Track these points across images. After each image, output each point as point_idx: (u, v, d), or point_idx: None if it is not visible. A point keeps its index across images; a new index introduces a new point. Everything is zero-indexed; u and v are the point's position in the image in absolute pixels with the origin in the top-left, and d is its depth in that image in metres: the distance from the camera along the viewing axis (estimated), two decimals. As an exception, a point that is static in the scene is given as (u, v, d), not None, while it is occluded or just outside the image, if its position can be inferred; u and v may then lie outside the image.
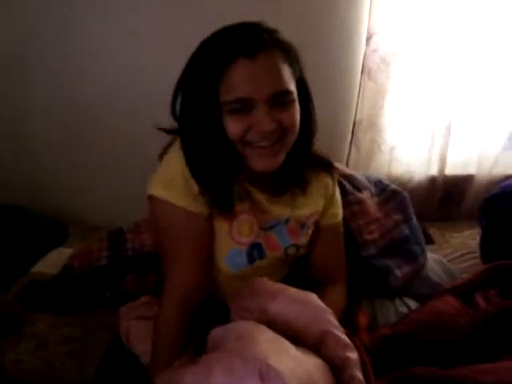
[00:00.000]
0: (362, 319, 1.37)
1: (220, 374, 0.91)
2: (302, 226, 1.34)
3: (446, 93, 2.09)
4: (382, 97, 2.10)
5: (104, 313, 1.67)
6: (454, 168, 2.31)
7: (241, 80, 1.03)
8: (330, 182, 1.36)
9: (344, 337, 1.08)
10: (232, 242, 1.26)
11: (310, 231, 1.36)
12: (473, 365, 1.16)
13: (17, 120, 2.25)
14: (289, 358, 0.93)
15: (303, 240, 1.35)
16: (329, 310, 1.14)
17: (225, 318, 1.23)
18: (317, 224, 1.38)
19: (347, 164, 2.27)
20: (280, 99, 1.07)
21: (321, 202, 1.35)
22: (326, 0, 1.99)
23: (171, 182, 1.17)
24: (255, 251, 1.29)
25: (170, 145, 1.27)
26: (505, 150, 2.24)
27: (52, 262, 1.93)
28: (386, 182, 1.83)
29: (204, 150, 1.13)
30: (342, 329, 1.11)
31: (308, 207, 1.33)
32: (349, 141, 2.23)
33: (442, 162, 2.24)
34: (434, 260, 1.70)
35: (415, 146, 2.23)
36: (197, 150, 1.15)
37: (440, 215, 2.37)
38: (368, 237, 1.63)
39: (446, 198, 2.37)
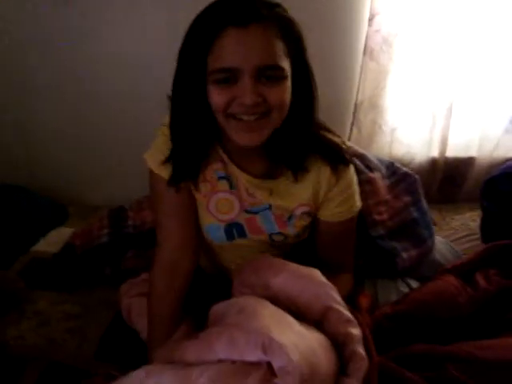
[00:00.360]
0: (364, 301, 1.37)
1: (222, 348, 0.91)
2: (290, 217, 1.26)
3: (448, 74, 2.09)
4: (384, 78, 2.10)
5: (104, 290, 1.68)
6: (455, 150, 2.31)
7: (229, 49, 0.98)
8: (333, 178, 1.21)
9: (347, 313, 1.08)
10: (210, 216, 1.26)
11: (303, 223, 1.28)
12: (473, 341, 1.17)
13: (18, 102, 2.25)
14: (292, 333, 0.93)
15: (292, 231, 1.28)
16: (332, 286, 1.13)
17: (227, 293, 1.23)
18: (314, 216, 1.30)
19: (348, 145, 2.26)
20: (268, 73, 1.00)
21: (311, 196, 1.24)
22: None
23: (155, 151, 1.21)
24: (234, 230, 1.27)
25: None
26: (506, 133, 2.24)
27: (53, 241, 1.94)
28: (397, 164, 1.80)
29: (184, 115, 1.11)
30: (345, 305, 1.11)
31: (294, 198, 1.25)
32: (350, 121, 2.23)
33: (443, 143, 2.24)
34: (441, 242, 1.70)
35: (416, 127, 2.23)
36: (178, 115, 1.13)
37: (441, 197, 2.37)
38: (377, 217, 1.61)
39: (447, 180, 2.37)
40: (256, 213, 1.25)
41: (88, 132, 2.30)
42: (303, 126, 1.14)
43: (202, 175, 1.21)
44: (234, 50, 0.97)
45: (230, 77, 1.00)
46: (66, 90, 2.20)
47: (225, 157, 1.21)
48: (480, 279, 1.38)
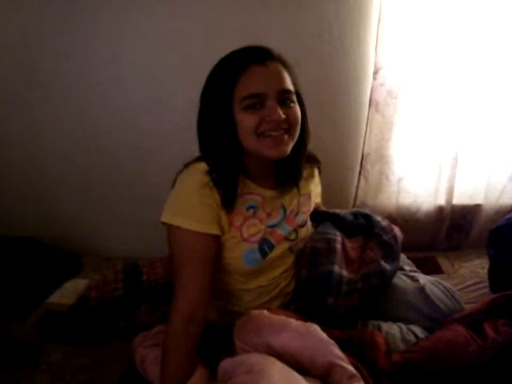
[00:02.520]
0: (381, 342, 1.36)
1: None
2: (296, 213, 1.53)
3: (453, 124, 2.14)
4: (390, 129, 2.15)
5: (117, 343, 1.70)
6: (461, 198, 2.33)
7: (254, 80, 1.24)
8: (315, 171, 1.66)
9: (350, 367, 1.10)
10: (245, 243, 1.39)
11: (307, 208, 1.59)
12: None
13: (31, 152, 2.33)
14: (299, 390, 0.96)
15: (300, 220, 1.54)
16: (332, 342, 1.17)
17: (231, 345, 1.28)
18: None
19: (356, 194, 2.31)
20: (285, 97, 1.28)
21: (310, 188, 1.61)
22: (335, 35, 2.05)
23: (181, 206, 1.29)
24: (265, 245, 1.42)
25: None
26: (511, 180, 2.26)
27: (67, 293, 1.95)
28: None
29: (219, 147, 1.31)
30: (347, 359, 1.14)
31: (304, 200, 1.56)
32: (357, 172, 2.28)
33: (450, 192, 2.27)
34: (432, 282, 1.69)
35: (423, 176, 2.26)
36: (213, 150, 1.32)
37: (448, 245, 2.38)
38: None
39: (454, 227, 2.38)
40: (275, 226, 1.46)
41: (100, 185, 2.36)
42: (302, 148, 1.41)
43: (235, 210, 1.35)
44: (259, 79, 1.25)
45: (257, 102, 1.24)
46: (77, 143, 2.28)
47: (249, 182, 1.40)
48: (489, 330, 1.37)
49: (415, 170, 2.25)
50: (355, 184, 2.31)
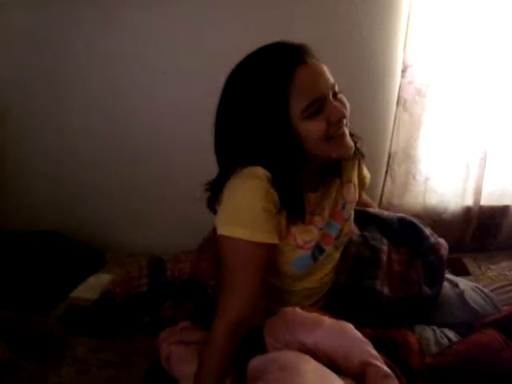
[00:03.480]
0: (414, 341, 1.33)
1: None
2: (343, 205, 1.47)
3: (481, 124, 2.11)
4: (417, 128, 2.13)
5: (142, 338, 1.70)
6: (489, 199, 2.30)
7: (308, 84, 1.17)
8: (356, 162, 1.55)
9: (384, 367, 1.09)
10: (299, 250, 1.35)
11: (354, 203, 1.53)
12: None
13: (53, 154, 2.36)
14: (334, 389, 0.94)
15: (348, 213, 1.49)
16: (366, 341, 1.16)
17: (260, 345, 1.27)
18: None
19: (382, 194, 2.29)
20: (335, 90, 1.22)
21: (353, 177, 1.53)
22: (363, 34, 2.04)
23: (243, 217, 1.22)
24: (316, 251, 1.39)
25: (217, 185, 1.33)
26: (540, 181, 2.22)
27: (91, 287, 1.97)
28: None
29: (282, 159, 1.23)
30: (381, 359, 1.12)
31: (348, 190, 1.49)
32: (384, 171, 2.26)
33: (478, 192, 2.24)
34: (472, 288, 1.67)
35: (450, 176, 2.24)
36: (280, 168, 1.24)
37: (475, 246, 2.35)
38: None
39: (482, 228, 2.35)
40: (325, 227, 1.42)
41: (126, 183, 2.38)
42: None
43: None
44: (313, 81, 1.17)
45: (319, 106, 1.18)
46: (102, 145, 2.30)
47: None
48: (523, 335, 1.36)
49: (442, 170, 2.22)
50: (382, 183, 2.29)
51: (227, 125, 1.27)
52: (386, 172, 2.24)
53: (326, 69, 1.21)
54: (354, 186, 1.53)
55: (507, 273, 2.05)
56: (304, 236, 1.34)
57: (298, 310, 1.28)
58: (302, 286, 1.44)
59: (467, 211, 2.30)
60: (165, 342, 1.50)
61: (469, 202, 2.28)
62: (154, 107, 2.20)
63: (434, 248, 1.60)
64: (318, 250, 1.40)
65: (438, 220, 2.27)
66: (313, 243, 1.37)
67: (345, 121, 1.23)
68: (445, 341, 1.45)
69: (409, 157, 2.19)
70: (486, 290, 1.68)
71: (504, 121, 2.13)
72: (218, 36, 2.04)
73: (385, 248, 1.58)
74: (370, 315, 1.47)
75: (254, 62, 1.21)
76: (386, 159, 2.23)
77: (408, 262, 1.59)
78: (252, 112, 1.21)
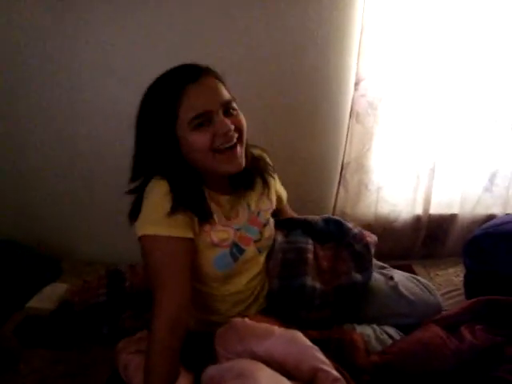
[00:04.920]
0: (359, 340, 1.41)
1: (223, 411, 0.95)
2: (258, 213, 1.57)
3: (430, 136, 2.20)
4: (370, 139, 2.19)
5: (100, 349, 1.69)
6: (438, 208, 2.39)
7: (195, 99, 1.27)
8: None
9: (334, 372, 1.14)
10: (216, 248, 1.42)
11: (266, 206, 1.61)
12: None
13: (14, 154, 2.31)
14: (287, 395, 0.98)
15: (263, 219, 1.59)
16: (315, 347, 1.21)
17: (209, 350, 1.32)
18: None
19: (335, 203, 2.35)
20: (228, 107, 1.32)
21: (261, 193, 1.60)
22: (318, 48, 2.09)
23: (157, 217, 1.29)
24: (234, 249, 1.46)
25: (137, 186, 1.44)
26: (486, 191, 2.33)
27: (47, 297, 1.95)
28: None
29: (175, 172, 1.34)
30: (331, 363, 1.17)
31: (256, 199, 1.57)
32: (337, 181, 2.31)
33: (427, 202, 2.33)
34: (407, 278, 1.74)
35: (401, 186, 2.31)
36: (171, 175, 1.34)
37: (424, 253, 2.44)
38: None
39: (431, 236, 2.44)
40: (241, 229, 1.49)
41: (81, 188, 2.35)
42: (247, 151, 1.43)
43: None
44: (200, 97, 1.28)
45: (204, 120, 1.27)
46: (59, 146, 2.27)
47: (207, 190, 1.43)
48: (466, 333, 1.42)
49: (394, 180, 2.30)
50: (334, 193, 2.34)
51: (136, 136, 1.39)
52: (339, 182, 2.30)
53: (221, 88, 1.33)
54: (268, 197, 1.63)
55: (454, 278, 2.15)
56: (219, 234, 1.42)
57: (247, 320, 1.33)
58: (227, 290, 1.50)
59: (417, 220, 2.38)
60: (123, 351, 1.50)
61: (419, 210, 2.37)
62: (101, 115, 2.21)
63: (358, 237, 1.71)
64: (237, 248, 1.46)
65: (389, 228, 2.35)
66: (229, 242, 1.44)
67: (235, 136, 1.31)
68: (385, 336, 1.53)
69: (361, 167, 2.25)
70: (421, 279, 1.76)
71: (452, 134, 2.22)
72: (187, 42, 2.06)
73: (310, 247, 1.67)
74: (306, 309, 1.54)
75: (158, 80, 1.34)
76: (339, 169, 2.29)
77: (335, 255, 1.69)
78: (148, 124, 1.35)
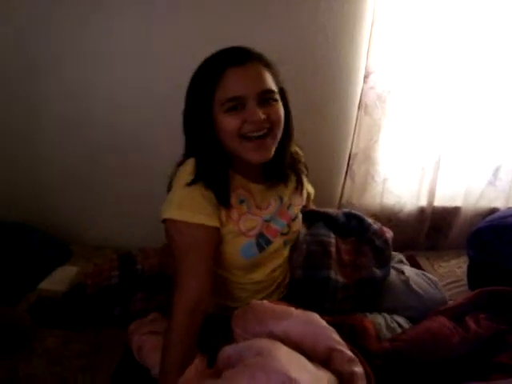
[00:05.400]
0: (371, 327, 1.45)
1: (245, 387, 0.99)
2: (289, 206, 1.57)
3: (437, 130, 2.23)
4: (377, 131, 2.23)
5: (111, 330, 1.74)
6: (442, 200, 2.43)
7: (233, 82, 1.27)
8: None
9: (349, 352, 1.18)
10: (243, 237, 1.42)
11: (298, 201, 1.62)
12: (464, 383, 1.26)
13: (27, 141, 2.33)
14: (306, 372, 1.02)
15: (293, 213, 1.58)
16: (332, 329, 1.25)
17: (226, 332, 1.36)
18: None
19: (342, 193, 2.38)
20: (266, 96, 1.29)
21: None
22: (329, 40, 2.11)
23: (183, 202, 1.32)
24: (261, 240, 1.46)
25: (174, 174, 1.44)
26: (489, 185, 2.36)
27: (58, 280, 1.97)
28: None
29: (203, 149, 1.36)
30: (346, 345, 1.21)
31: (290, 192, 1.57)
32: (344, 172, 2.35)
33: (431, 194, 2.37)
34: (417, 274, 1.79)
35: (406, 178, 2.35)
36: (199, 151, 1.38)
37: (428, 244, 2.48)
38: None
39: (434, 228, 2.48)
40: (270, 220, 1.49)
41: (93, 174, 2.38)
42: (287, 142, 1.44)
43: (231, 204, 1.39)
44: (238, 81, 1.27)
45: (237, 104, 1.27)
46: (74, 133, 2.29)
47: (239, 177, 1.44)
48: (470, 322, 1.47)
49: (400, 172, 2.33)
50: (341, 183, 2.38)
51: (184, 116, 1.39)
52: (346, 172, 2.33)
53: (265, 76, 1.30)
54: (300, 193, 1.63)
55: (456, 270, 2.19)
56: (247, 223, 1.43)
57: (265, 302, 1.36)
58: (250, 278, 1.52)
59: (421, 211, 2.42)
60: (136, 333, 1.54)
61: (423, 202, 2.40)
62: (116, 106, 2.24)
63: (379, 233, 1.76)
64: (264, 239, 1.46)
65: (394, 219, 2.39)
66: (256, 231, 1.44)
67: (265, 127, 1.30)
68: (395, 325, 1.58)
69: (368, 158, 2.28)
70: (429, 275, 1.82)
71: (457, 128, 2.24)
72: (188, 39, 2.09)
73: (332, 241, 1.71)
74: (330, 302, 1.59)
75: (206, 59, 1.34)
76: (346, 160, 2.32)
77: (356, 250, 1.73)
78: (189, 101, 1.36)
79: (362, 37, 2.12)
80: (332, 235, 1.73)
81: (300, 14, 2.07)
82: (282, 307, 1.32)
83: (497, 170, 2.33)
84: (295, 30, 2.09)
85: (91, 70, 2.16)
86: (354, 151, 2.28)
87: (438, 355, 1.38)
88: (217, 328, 1.46)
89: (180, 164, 1.44)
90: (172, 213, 1.31)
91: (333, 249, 1.68)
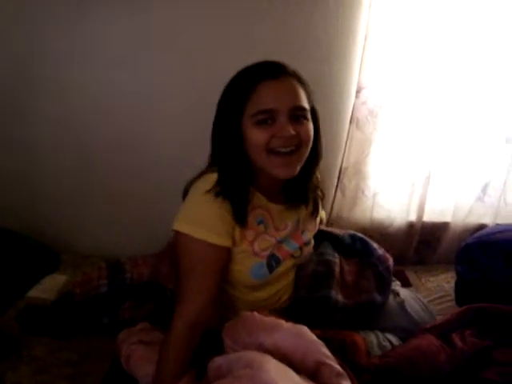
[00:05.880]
0: (361, 341, 1.46)
1: (232, 398, 1.00)
2: (303, 231, 1.56)
3: (427, 145, 2.25)
4: (368, 146, 2.25)
5: (100, 339, 1.73)
6: (431, 215, 2.45)
7: (266, 95, 1.25)
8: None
9: (337, 366, 1.19)
10: (255, 257, 1.41)
11: (313, 227, 1.63)
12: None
13: (21, 150, 2.33)
14: (294, 384, 1.03)
15: (307, 238, 1.58)
16: (321, 343, 1.25)
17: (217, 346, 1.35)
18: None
19: (332, 207, 2.40)
20: (298, 113, 1.27)
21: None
22: (322, 54, 2.14)
23: (197, 218, 1.30)
24: (272, 261, 1.44)
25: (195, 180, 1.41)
26: (478, 201, 2.38)
27: (47, 288, 1.97)
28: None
29: (228, 160, 1.32)
30: (335, 359, 1.22)
31: (306, 217, 1.57)
32: (335, 185, 2.36)
33: (421, 209, 2.38)
34: (412, 297, 1.80)
35: (397, 193, 2.37)
36: (224, 162, 1.34)
37: (417, 259, 2.50)
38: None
39: (423, 242, 2.49)
40: (283, 242, 1.48)
41: (82, 183, 2.38)
42: (312, 167, 1.42)
43: (248, 224, 1.37)
44: (271, 94, 1.25)
45: (268, 118, 1.25)
46: (63, 141, 2.30)
47: (259, 195, 1.41)
48: (456, 340, 1.49)
49: (390, 186, 2.35)
50: (332, 197, 2.39)
51: (213, 126, 1.37)
52: (337, 186, 2.35)
53: (299, 92, 1.28)
54: (315, 219, 1.63)
55: (444, 284, 2.20)
56: (262, 244, 1.41)
57: (256, 314, 1.36)
58: (255, 296, 1.51)
59: (411, 226, 2.43)
60: (125, 342, 1.54)
61: (412, 217, 2.42)
62: (116, 103, 2.24)
63: (382, 259, 1.76)
64: (275, 259, 1.45)
65: (383, 234, 2.40)
66: (268, 252, 1.43)
67: (293, 144, 1.27)
68: (387, 344, 1.58)
69: (359, 172, 2.30)
70: (424, 300, 1.83)
71: (447, 144, 2.27)
72: (188, 43, 2.11)
73: (337, 261, 1.71)
74: (327, 322, 1.58)
75: (241, 70, 1.32)
76: (337, 174, 2.34)
77: (359, 272, 1.73)
78: (220, 111, 1.34)
79: (355, 52, 2.15)
80: (336, 255, 1.74)
81: (294, 26, 2.10)
82: (273, 319, 1.33)
83: (485, 186, 2.36)
84: (289, 42, 2.12)
85: (83, 71, 2.17)
86: (344, 165, 2.29)
87: (425, 372, 1.39)
88: (207, 342, 1.46)
89: (202, 174, 1.41)
90: (183, 227, 1.29)
91: (337, 268, 1.68)
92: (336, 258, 1.72)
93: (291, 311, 1.61)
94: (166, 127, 2.25)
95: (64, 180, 2.38)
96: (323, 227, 1.91)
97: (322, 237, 1.81)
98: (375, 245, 1.81)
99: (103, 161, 2.33)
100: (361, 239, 1.82)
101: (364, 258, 1.77)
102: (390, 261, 1.78)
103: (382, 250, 1.81)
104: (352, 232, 1.88)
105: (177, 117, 2.23)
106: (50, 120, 2.26)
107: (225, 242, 1.32)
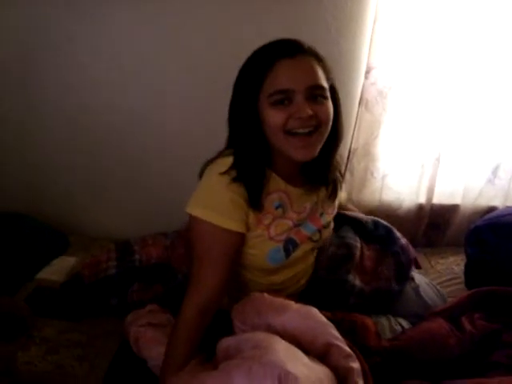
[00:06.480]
0: (371, 324, 1.46)
1: (240, 379, 0.99)
2: (321, 214, 1.53)
3: (437, 127, 2.23)
4: (377, 127, 2.23)
5: (108, 320, 1.74)
6: (440, 197, 2.43)
7: (282, 75, 1.21)
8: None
9: (346, 348, 1.18)
10: (271, 241, 1.39)
11: (331, 215, 1.59)
12: (459, 379, 1.28)
13: (22, 130, 2.33)
14: (303, 365, 1.03)
15: (325, 221, 1.54)
16: (330, 324, 1.25)
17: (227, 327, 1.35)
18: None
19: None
20: (315, 93, 1.23)
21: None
22: (332, 34, 2.11)
23: (210, 202, 1.29)
24: (289, 245, 1.42)
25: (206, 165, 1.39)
26: (488, 183, 2.37)
27: (56, 270, 1.99)
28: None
29: (245, 141, 1.30)
30: (344, 341, 1.22)
31: (325, 199, 1.53)
32: (344, 167, 2.33)
33: (430, 191, 2.37)
34: (426, 283, 1.80)
35: (406, 175, 2.35)
36: (240, 143, 1.31)
37: (426, 242, 2.49)
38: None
39: (433, 225, 2.48)
40: (300, 225, 1.46)
41: (91, 165, 2.38)
42: (334, 147, 1.38)
43: (264, 209, 1.35)
44: (287, 74, 1.21)
45: (285, 98, 1.21)
46: (73, 125, 2.29)
47: (277, 178, 1.38)
48: (466, 323, 1.50)
49: (399, 168, 2.33)
50: (341, 179, 2.37)
51: (230, 107, 1.34)
52: (346, 167, 2.33)
53: (316, 70, 1.24)
54: (333, 202, 1.60)
55: (454, 267, 2.19)
56: (278, 228, 1.38)
57: (265, 294, 1.36)
58: (271, 280, 1.49)
59: (420, 208, 2.42)
60: (133, 324, 1.55)
61: (422, 199, 2.40)
62: (130, 91, 2.22)
63: (405, 248, 1.75)
64: (292, 243, 1.43)
65: (392, 216, 2.38)
66: (284, 236, 1.40)
67: (312, 124, 1.23)
68: (398, 328, 1.58)
69: (368, 154, 2.28)
70: (437, 286, 1.83)
71: (457, 126, 2.25)
72: (189, 32, 2.09)
73: (358, 245, 1.71)
74: (341, 305, 1.58)
75: (253, 52, 1.29)
76: (346, 155, 2.31)
77: (378, 259, 1.73)
78: (236, 92, 1.31)
79: (364, 32, 2.12)
80: (357, 239, 1.73)
81: (303, 9, 2.07)
82: (282, 300, 1.32)
83: (496, 168, 2.34)
84: (298, 25, 2.08)
85: (94, 61, 2.16)
86: (353, 147, 2.28)
87: (436, 355, 1.39)
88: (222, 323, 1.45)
89: (220, 154, 1.39)
90: (195, 210, 1.29)
91: (357, 252, 1.68)
92: (357, 242, 1.72)
93: (307, 291, 1.62)
94: (176, 115, 2.24)
95: (72, 162, 2.37)
96: (347, 212, 1.91)
97: (343, 221, 1.80)
98: (399, 234, 1.79)
99: (111, 144, 2.33)
100: (385, 226, 1.81)
101: (386, 245, 1.75)
102: (413, 252, 1.77)
103: (405, 240, 1.79)
104: (376, 218, 1.86)
105: (185, 105, 2.22)
106: (55, 106, 2.25)
107: (237, 226, 1.30)
